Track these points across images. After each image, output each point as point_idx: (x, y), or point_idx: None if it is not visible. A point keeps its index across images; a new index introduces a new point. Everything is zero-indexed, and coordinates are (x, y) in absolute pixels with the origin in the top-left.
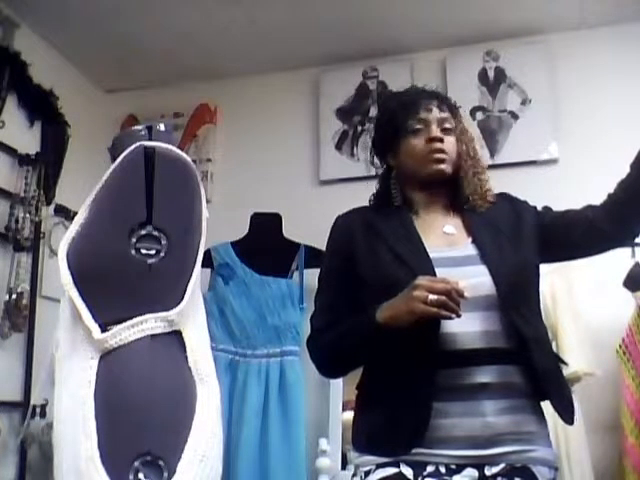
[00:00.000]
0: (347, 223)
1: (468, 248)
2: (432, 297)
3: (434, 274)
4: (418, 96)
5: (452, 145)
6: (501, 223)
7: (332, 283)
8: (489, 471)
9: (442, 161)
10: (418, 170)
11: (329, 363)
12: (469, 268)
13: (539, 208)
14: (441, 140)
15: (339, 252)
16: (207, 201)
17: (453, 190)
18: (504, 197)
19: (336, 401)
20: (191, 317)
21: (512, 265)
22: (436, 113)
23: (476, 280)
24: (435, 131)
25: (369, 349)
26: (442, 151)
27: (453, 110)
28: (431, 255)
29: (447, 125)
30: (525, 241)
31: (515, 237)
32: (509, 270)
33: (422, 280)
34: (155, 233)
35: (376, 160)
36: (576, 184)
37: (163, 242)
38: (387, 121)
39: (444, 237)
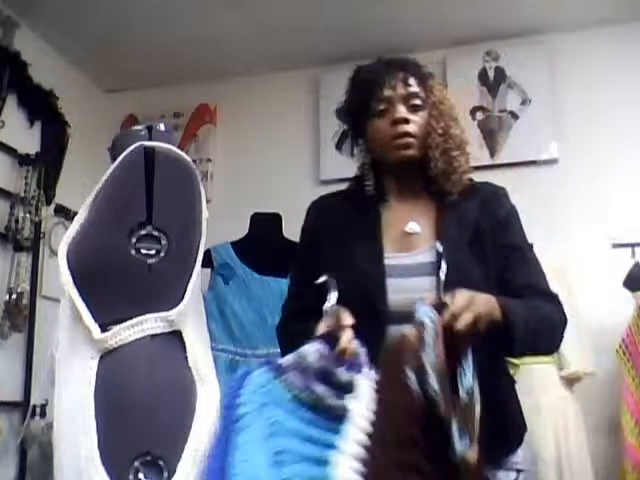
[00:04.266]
0: (317, 211)
1: (426, 255)
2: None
3: (383, 285)
4: (381, 72)
5: (420, 124)
6: (474, 223)
7: (301, 272)
8: None
9: (407, 146)
10: (384, 155)
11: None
12: (423, 279)
13: (513, 241)
14: (406, 121)
15: (308, 241)
16: (207, 201)
17: (425, 172)
18: (493, 194)
19: None
20: (191, 317)
21: (466, 281)
22: (401, 89)
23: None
24: (399, 111)
25: None
26: (407, 134)
27: (424, 81)
28: (386, 262)
29: (415, 101)
30: (487, 255)
31: (479, 247)
32: (461, 286)
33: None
34: (155, 233)
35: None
36: (576, 184)
37: (163, 242)
38: (352, 103)
39: (405, 238)
